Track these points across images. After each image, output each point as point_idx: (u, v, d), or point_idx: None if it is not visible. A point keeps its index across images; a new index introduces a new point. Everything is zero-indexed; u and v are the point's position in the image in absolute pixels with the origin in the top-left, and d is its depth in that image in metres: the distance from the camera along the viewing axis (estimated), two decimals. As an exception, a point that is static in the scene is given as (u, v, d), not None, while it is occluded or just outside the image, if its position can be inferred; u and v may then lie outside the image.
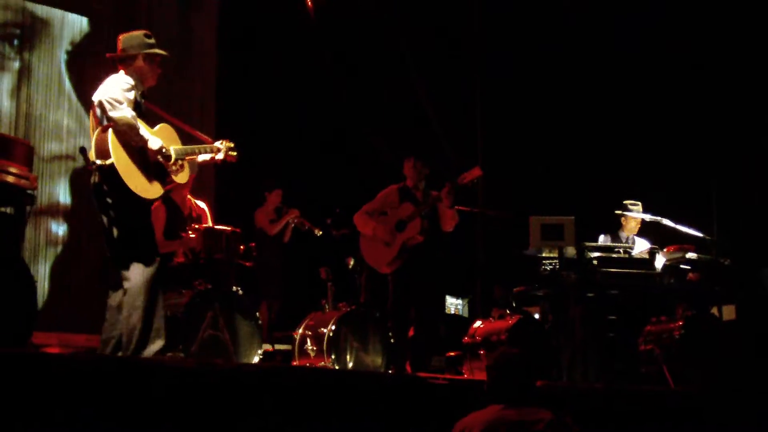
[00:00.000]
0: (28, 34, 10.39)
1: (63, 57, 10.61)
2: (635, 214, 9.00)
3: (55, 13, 10.59)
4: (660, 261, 8.33)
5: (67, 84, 10.60)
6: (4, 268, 5.98)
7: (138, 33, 6.20)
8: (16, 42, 10.26)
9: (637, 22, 10.93)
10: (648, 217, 8.76)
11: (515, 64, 11.57)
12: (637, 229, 9.06)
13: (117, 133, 5.79)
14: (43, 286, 9.90)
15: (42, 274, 9.97)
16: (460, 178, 7.96)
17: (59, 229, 10.32)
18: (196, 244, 7.35)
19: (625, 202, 9.08)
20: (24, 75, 10.26)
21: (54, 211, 10.34)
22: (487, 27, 10.65)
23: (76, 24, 10.74)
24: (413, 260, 8.00)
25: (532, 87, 11.55)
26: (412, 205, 8.06)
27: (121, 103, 5.83)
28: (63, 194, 10.44)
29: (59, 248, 10.31)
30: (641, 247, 8.83)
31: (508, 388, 4.63)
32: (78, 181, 10.39)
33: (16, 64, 10.24)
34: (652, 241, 8.87)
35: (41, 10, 10.45)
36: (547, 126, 11.53)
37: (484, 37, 10.47)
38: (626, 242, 8.91)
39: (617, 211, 9.07)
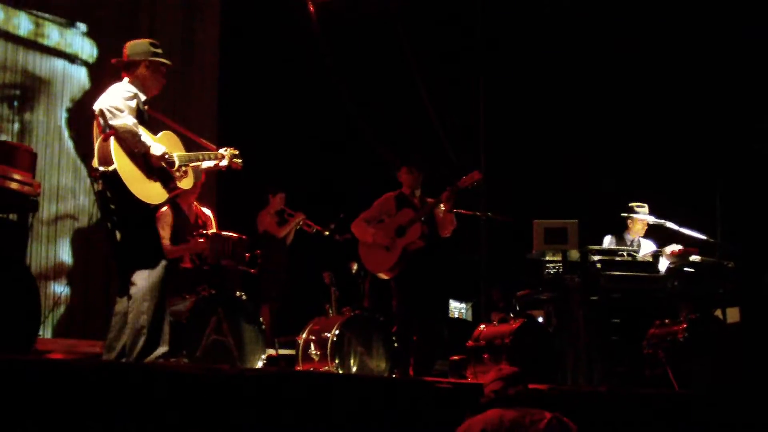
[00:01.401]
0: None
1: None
2: (641, 216, 8.98)
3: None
4: (664, 264, 8.33)
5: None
6: (7, 274, 5.99)
7: (144, 41, 6.22)
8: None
9: (640, 23, 10.94)
10: (652, 219, 8.76)
11: (518, 65, 11.57)
12: (643, 231, 9.04)
13: (119, 140, 5.80)
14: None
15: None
16: (461, 181, 8.00)
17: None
18: (203, 250, 7.37)
19: (631, 204, 9.07)
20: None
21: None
22: (490, 28, 10.65)
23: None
24: (414, 265, 7.99)
25: (535, 89, 11.56)
26: (412, 211, 8.06)
27: (121, 111, 5.83)
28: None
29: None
30: (647, 249, 8.82)
31: (506, 397, 4.66)
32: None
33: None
34: (658, 244, 8.87)
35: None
36: (551, 129, 11.53)
37: (487, 38, 10.47)
38: (631, 244, 8.90)
39: (623, 214, 9.07)
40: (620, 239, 9.03)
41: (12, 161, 6.81)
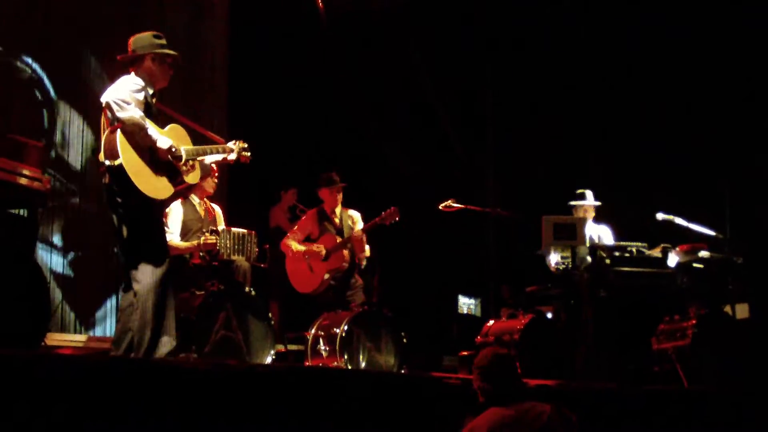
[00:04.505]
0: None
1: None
2: (584, 202, 9.01)
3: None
4: (673, 260, 8.31)
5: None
6: (17, 269, 6.00)
7: (147, 34, 6.21)
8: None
9: (648, 21, 10.92)
10: (660, 215, 8.72)
11: (527, 62, 11.56)
12: (586, 215, 9.05)
13: (125, 133, 5.80)
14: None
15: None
16: (379, 217, 8.35)
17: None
18: (214, 246, 7.37)
19: (578, 191, 9.11)
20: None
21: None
22: (497, 25, 10.65)
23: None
24: (332, 287, 8.47)
25: (544, 85, 11.54)
26: (334, 236, 8.51)
27: (128, 103, 5.83)
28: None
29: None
30: (601, 232, 8.87)
31: (501, 388, 4.66)
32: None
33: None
34: (612, 227, 8.98)
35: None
36: (560, 124, 11.51)
37: (495, 34, 10.47)
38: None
39: (571, 202, 9.12)
40: None
41: (21, 157, 6.81)
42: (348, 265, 8.49)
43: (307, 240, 8.62)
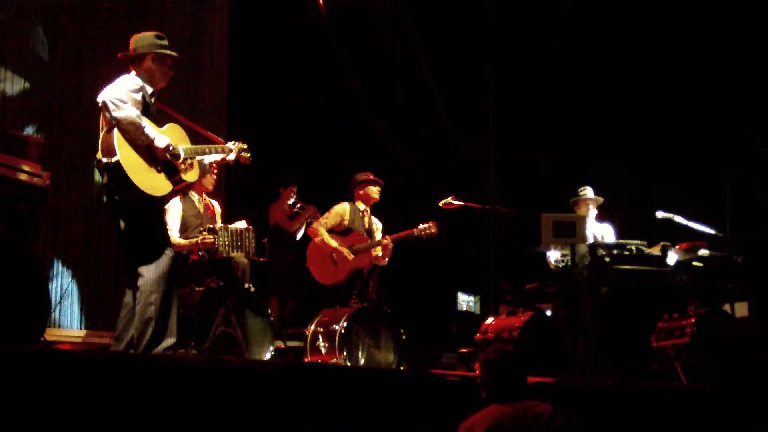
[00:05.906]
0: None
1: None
2: (585, 195, 9.04)
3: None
4: (672, 258, 8.31)
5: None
6: (17, 265, 6.01)
7: (149, 33, 6.22)
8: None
9: (648, 18, 10.92)
10: (660, 213, 8.73)
11: (529, 57, 11.55)
12: (589, 212, 9.06)
13: (122, 132, 5.81)
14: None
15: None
16: (416, 229, 8.44)
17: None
18: (212, 245, 7.37)
19: (579, 189, 9.15)
20: None
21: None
22: (499, 20, 10.62)
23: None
24: (354, 285, 8.47)
25: (545, 82, 11.53)
26: (364, 236, 8.53)
27: (125, 102, 5.83)
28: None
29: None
30: (604, 230, 8.91)
31: (504, 385, 4.67)
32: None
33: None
34: (614, 225, 9.04)
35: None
36: (560, 122, 11.51)
37: (497, 29, 10.44)
38: None
39: (574, 198, 9.15)
40: None
41: (21, 152, 6.82)
42: (370, 268, 8.52)
43: (331, 232, 8.56)
